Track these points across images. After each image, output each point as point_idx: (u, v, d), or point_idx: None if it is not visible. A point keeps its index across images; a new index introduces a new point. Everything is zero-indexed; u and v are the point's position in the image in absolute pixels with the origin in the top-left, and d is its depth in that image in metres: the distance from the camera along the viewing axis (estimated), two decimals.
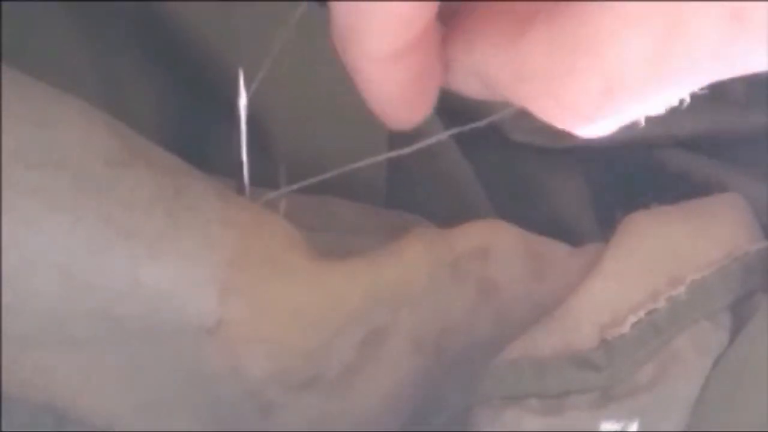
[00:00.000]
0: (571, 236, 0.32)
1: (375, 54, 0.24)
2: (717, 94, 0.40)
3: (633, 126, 0.32)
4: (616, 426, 0.28)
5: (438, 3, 0.24)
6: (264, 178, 0.31)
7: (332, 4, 0.24)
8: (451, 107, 0.32)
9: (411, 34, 0.24)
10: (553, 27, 0.23)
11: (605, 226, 0.33)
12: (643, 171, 0.40)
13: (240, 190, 0.30)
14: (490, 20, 0.24)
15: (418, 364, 0.29)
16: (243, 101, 0.30)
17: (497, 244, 0.30)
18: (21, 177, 0.25)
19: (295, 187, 0.31)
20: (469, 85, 0.26)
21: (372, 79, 0.25)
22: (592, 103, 0.23)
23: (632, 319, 0.28)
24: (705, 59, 0.21)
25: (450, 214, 0.32)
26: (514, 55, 0.24)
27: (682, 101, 0.23)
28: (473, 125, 0.30)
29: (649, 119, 0.42)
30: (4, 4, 0.28)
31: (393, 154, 0.31)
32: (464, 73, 0.26)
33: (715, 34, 0.21)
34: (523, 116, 0.39)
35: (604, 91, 0.23)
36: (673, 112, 0.42)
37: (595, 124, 0.24)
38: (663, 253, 0.30)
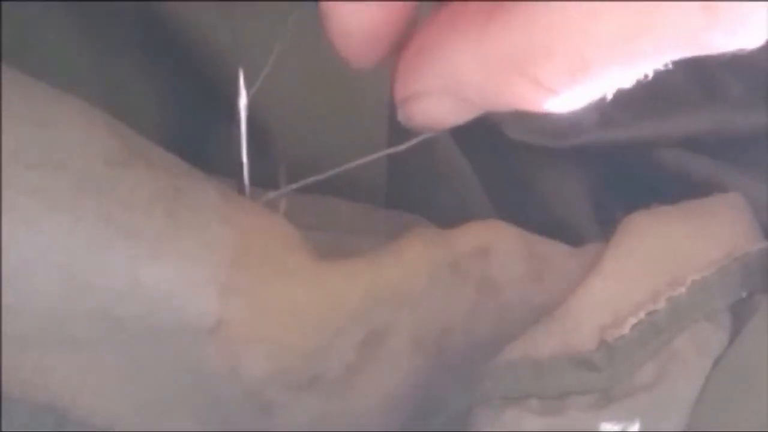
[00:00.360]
0: (571, 236, 0.32)
1: None
2: (717, 94, 0.40)
3: (621, 123, 0.32)
4: (617, 426, 0.27)
5: None
6: (264, 178, 0.31)
7: None
8: None
9: None
10: (527, 13, 0.23)
11: (605, 226, 0.33)
12: (643, 171, 0.40)
13: (240, 190, 0.30)
14: (454, 23, 0.25)
15: (418, 364, 0.29)
16: (243, 101, 0.30)
17: (497, 244, 0.30)
18: (21, 177, 0.25)
19: (295, 186, 0.31)
20: (441, 108, 0.26)
21: (341, 18, 0.25)
22: (566, 81, 0.23)
23: (632, 320, 0.28)
24: (674, 44, 0.22)
25: (450, 214, 0.32)
26: (486, 45, 0.24)
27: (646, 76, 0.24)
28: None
29: (648, 119, 0.42)
30: (4, 4, 0.28)
31: (390, 150, 0.31)
32: (435, 95, 0.26)
33: (684, 22, 0.21)
34: (523, 116, 0.39)
35: (578, 69, 0.23)
36: (673, 112, 0.42)
37: (565, 100, 0.24)
38: (663, 254, 0.30)
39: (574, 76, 0.23)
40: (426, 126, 0.27)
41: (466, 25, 0.24)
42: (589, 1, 0.22)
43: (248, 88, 0.30)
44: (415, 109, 0.27)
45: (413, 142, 0.30)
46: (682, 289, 0.29)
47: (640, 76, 0.24)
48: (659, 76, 0.42)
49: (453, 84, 0.25)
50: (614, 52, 0.22)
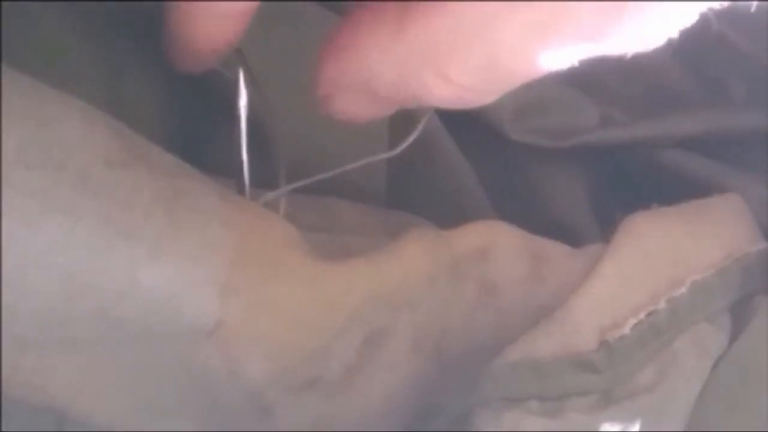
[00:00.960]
0: (570, 237, 0.32)
1: (219, 12, 0.27)
2: (717, 95, 0.40)
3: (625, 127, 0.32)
4: (617, 427, 0.27)
5: None
6: (264, 179, 0.31)
7: None
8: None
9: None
10: (437, 12, 0.24)
11: (605, 226, 0.33)
12: (643, 171, 0.40)
13: (240, 190, 0.30)
14: (368, 23, 0.26)
15: (418, 365, 0.29)
16: (243, 101, 0.30)
17: (497, 245, 0.30)
18: (21, 177, 0.25)
19: (294, 186, 0.31)
20: (358, 105, 0.27)
21: (197, 29, 0.27)
22: (476, 77, 0.24)
23: (632, 320, 0.28)
24: (578, 42, 0.23)
25: (450, 215, 0.32)
26: (397, 44, 0.25)
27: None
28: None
29: (648, 119, 0.42)
30: (4, 4, 0.28)
31: (388, 154, 0.31)
32: (352, 92, 0.27)
33: (594, 18, 0.22)
34: (523, 116, 0.39)
35: (487, 67, 0.24)
36: (673, 112, 0.42)
37: (477, 95, 0.25)
38: (663, 255, 0.30)
39: (483, 73, 0.24)
40: (347, 120, 0.28)
41: (379, 24, 0.25)
42: (496, 0, 0.23)
43: (248, 88, 0.30)
44: (335, 105, 0.28)
45: (409, 139, 0.30)
46: (683, 290, 0.29)
47: (549, 71, 0.25)
48: (659, 75, 0.42)
49: (367, 81, 0.26)
50: (521, 51, 0.23)
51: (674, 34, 0.23)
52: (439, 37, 0.24)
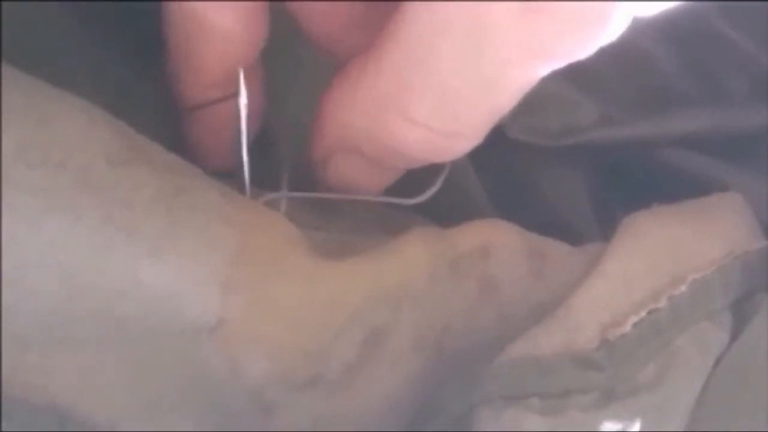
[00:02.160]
0: (571, 236, 0.32)
1: (210, 78, 0.29)
2: (718, 93, 0.40)
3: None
4: (618, 426, 0.27)
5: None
6: (265, 178, 0.31)
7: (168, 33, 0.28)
8: None
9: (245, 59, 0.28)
10: (393, 56, 0.25)
11: (605, 226, 0.33)
12: (643, 170, 0.40)
13: (240, 190, 0.30)
14: (338, 81, 0.27)
15: (419, 363, 0.29)
16: (243, 101, 0.30)
17: (498, 243, 0.30)
18: (21, 176, 0.25)
19: (296, 195, 0.31)
20: (349, 166, 0.29)
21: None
22: (435, 113, 0.25)
23: (633, 318, 0.28)
24: (514, 54, 0.23)
25: (450, 214, 0.32)
26: (362, 91, 0.26)
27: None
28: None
29: (649, 118, 0.42)
30: (4, 4, 0.28)
31: (413, 201, 0.32)
32: (338, 153, 0.29)
33: (516, 28, 0.23)
34: (523, 115, 0.39)
35: (441, 99, 0.25)
36: (673, 111, 0.42)
37: (450, 140, 0.26)
38: (664, 253, 0.30)
39: (444, 109, 0.25)
40: (347, 187, 0.30)
41: (347, 79, 0.27)
42: (430, 35, 0.24)
43: (248, 87, 0.30)
44: (329, 171, 0.29)
45: (436, 186, 0.31)
46: (683, 288, 0.29)
47: (508, 104, 0.26)
48: (659, 74, 0.42)
49: (344, 137, 0.28)
50: (463, 75, 0.24)
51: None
52: (396, 76, 0.25)
